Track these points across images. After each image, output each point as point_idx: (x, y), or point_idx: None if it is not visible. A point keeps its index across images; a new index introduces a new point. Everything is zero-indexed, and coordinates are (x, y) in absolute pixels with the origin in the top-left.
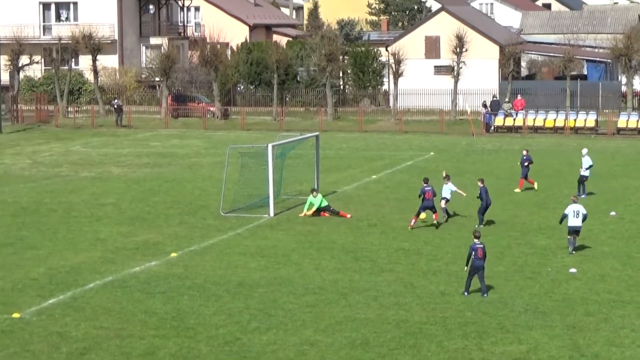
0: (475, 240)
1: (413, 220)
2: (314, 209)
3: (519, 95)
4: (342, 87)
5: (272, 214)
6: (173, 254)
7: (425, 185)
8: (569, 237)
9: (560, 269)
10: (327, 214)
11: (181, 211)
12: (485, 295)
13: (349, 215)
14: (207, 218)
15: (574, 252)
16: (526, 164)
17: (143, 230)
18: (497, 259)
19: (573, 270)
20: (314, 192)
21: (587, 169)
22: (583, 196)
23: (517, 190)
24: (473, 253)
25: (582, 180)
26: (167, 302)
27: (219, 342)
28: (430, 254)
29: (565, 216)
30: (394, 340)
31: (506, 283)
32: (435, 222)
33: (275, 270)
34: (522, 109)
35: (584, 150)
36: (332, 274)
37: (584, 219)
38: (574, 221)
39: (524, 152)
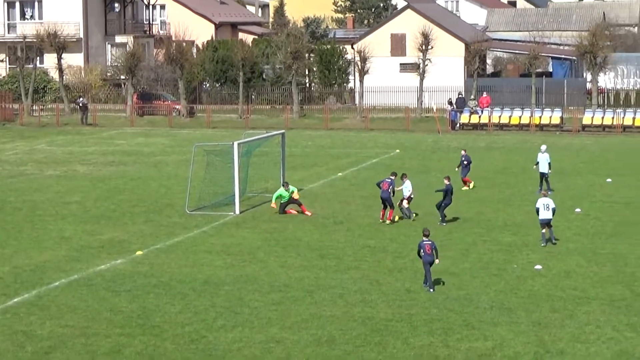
0: (424, 238)
1: (382, 213)
2: (282, 201)
3: (484, 93)
4: (308, 84)
5: (237, 212)
6: (138, 252)
7: (390, 178)
8: (542, 231)
9: (526, 266)
10: (293, 211)
11: (147, 209)
12: (431, 290)
13: (309, 213)
14: (172, 216)
15: (545, 244)
16: (465, 163)
17: (108, 228)
18: (463, 255)
19: (538, 267)
20: (286, 186)
21: (549, 165)
22: (549, 193)
23: (466, 187)
24: (422, 250)
25: (543, 177)
26: (133, 301)
27: (184, 340)
28: (396, 251)
29: (537, 210)
30: (359, 338)
31: (472, 280)
32: (389, 220)
33: (241, 268)
34: (487, 106)
35: (543, 147)
36: (297, 272)
37: (553, 212)
38: (544, 214)
39: (463, 152)
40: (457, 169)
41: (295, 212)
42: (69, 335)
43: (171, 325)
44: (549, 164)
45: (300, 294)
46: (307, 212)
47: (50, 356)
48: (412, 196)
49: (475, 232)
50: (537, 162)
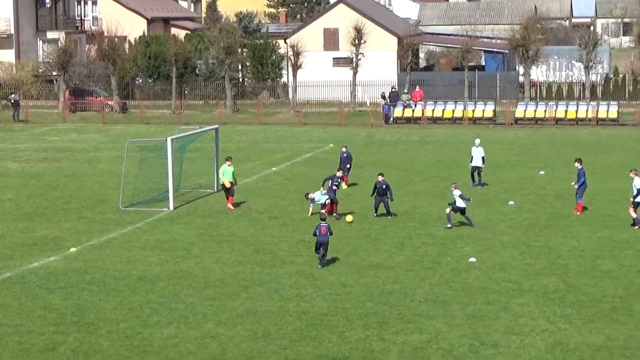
0: (321, 222)
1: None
2: (229, 178)
3: (417, 87)
4: (241, 79)
5: (172, 208)
6: (72, 249)
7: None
8: (448, 211)
9: (460, 259)
10: (230, 206)
11: (80, 206)
12: (320, 267)
13: (231, 207)
14: (106, 212)
15: (450, 226)
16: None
17: (41, 225)
18: (397, 249)
19: (472, 259)
20: (229, 160)
21: (483, 159)
22: (479, 187)
23: (345, 186)
24: (318, 231)
25: (476, 170)
26: (67, 298)
27: (119, 337)
28: (330, 245)
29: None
30: (295, 332)
31: (406, 273)
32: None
33: (175, 263)
34: (420, 100)
35: (477, 141)
36: (232, 267)
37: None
38: (460, 202)
39: (343, 149)
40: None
41: (233, 208)
42: (2, 334)
43: (106, 322)
44: (483, 158)
45: (235, 289)
46: (229, 206)
47: None
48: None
49: (410, 226)
50: (472, 157)
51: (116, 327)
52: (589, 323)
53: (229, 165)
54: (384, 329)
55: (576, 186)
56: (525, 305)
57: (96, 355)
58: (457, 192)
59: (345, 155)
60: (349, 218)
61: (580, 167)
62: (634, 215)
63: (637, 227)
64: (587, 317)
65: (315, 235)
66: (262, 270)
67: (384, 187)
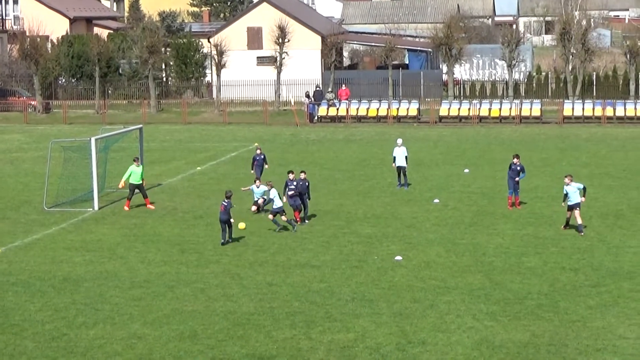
0: (225, 199)
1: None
2: (133, 181)
3: (343, 85)
4: (165, 79)
5: (96, 208)
6: None
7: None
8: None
9: (386, 257)
10: (151, 206)
11: (3, 206)
12: (227, 241)
13: (152, 207)
14: (30, 213)
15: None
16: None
17: None
18: (324, 248)
19: (398, 258)
20: (137, 161)
21: (406, 158)
22: (405, 188)
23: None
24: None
25: (401, 170)
26: None
27: (45, 338)
28: (257, 244)
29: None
30: (222, 332)
31: (332, 272)
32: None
33: (101, 264)
34: (347, 99)
35: (399, 141)
36: (158, 267)
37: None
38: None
39: (257, 150)
40: (252, 172)
41: (152, 207)
42: None
43: (31, 324)
44: (406, 157)
45: (161, 290)
46: (150, 206)
47: None
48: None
49: (335, 225)
50: (394, 157)
51: (42, 328)
52: (515, 320)
53: (137, 166)
54: (310, 328)
55: (517, 181)
56: (452, 303)
57: (21, 357)
58: (273, 192)
59: (257, 155)
60: (241, 225)
61: (518, 162)
62: (580, 220)
63: (581, 233)
64: (513, 314)
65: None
66: (188, 270)
67: (306, 184)
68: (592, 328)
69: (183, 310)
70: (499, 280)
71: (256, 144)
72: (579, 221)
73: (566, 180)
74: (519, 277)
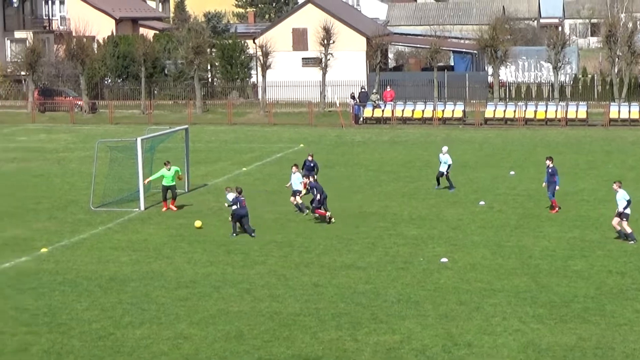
0: (239, 195)
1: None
2: (164, 183)
3: (388, 87)
4: (210, 79)
5: (142, 208)
6: (43, 250)
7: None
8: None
9: (432, 259)
10: (173, 207)
11: (50, 206)
12: (253, 235)
13: (174, 208)
14: (77, 213)
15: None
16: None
17: (11, 226)
18: (369, 249)
19: (444, 259)
20: (168, 164)
21: (447, 166)
22: (451, 190)
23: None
24: (238, 203)
25: (443, 175)
26: (39, 298)
27: (92, 337)
28: (302, 245)
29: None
30: (268, 332)
31: (378, 274)
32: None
33: (147, 264)
34: (391, 100)
35: (445, 148)
36: (204, 267)
37: None
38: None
39: (309, 157)
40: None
41: (175, 209)
42: None
43: (78, 323)
44: (449, 165)
45: (207, 290)
46: (172, 207)
47: None
48: (302, 190)
49: (381, 226)
50: (450, 164)
51: (88, 327)
52: (561, 323)
53: (167, 170)
54: (356, 330)
55: (545, 185)
56: (498, 306)
57: (68, 356)
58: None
59: (312, 163)
60: (197, 223)
61: (552, 165)
62: (629, 229)
63: (632, 241)
64: (559, 317)
65: (233, 205)
66: (234, 270)
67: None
68: (639, 332)
69: (229, 311)
70: (545, 283)
71: (304, 147)
72: (628, 230)
73: (615, 187)
74: (565, 280)
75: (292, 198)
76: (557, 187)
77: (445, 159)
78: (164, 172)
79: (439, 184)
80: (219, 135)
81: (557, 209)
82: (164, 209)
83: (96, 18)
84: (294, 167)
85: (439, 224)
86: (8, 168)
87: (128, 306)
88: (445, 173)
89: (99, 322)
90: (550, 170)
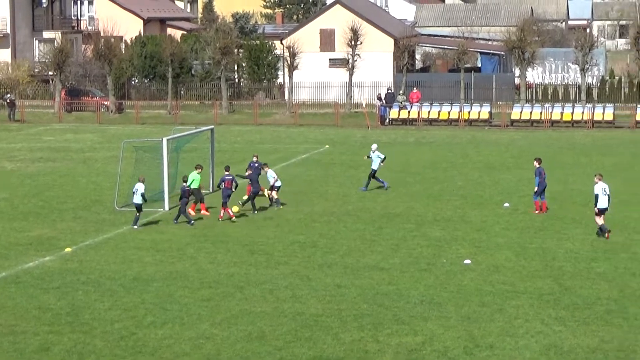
0: (226, 173)
1: (222, 211)
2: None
3: (415, 88)
4: (237, 80)
5: (167, 208)
6: (67, 249)
7: (226, 174)
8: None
9: (455, 261)
10: (192, 212)
11: (75, 206)
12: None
13: (193, 212)
14: (101, 213)
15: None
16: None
17: (37, 225)
18: (393, 250)
19: (467, 261)
20: (200, 168)
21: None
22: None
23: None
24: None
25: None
26: (62, 298)
27: (114, 337)
28: (326, 246)
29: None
30: (290, 333)
31: (401, 275)
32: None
33: (170, 264)
34: (417, 102)
35: (374, 146)
36: (227, 268)
37: None
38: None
39: (254, 158)
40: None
41: (193, 214)
42: None
43: (100, 322)
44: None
45: (230, 290)
46: (191, 211)
47: None
48: (277, 185)
49: (405, 227)
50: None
51: (111, 327)
52: (584, 325)
53: (198, 173)
54: (378, 331)
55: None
56: (520, 307)
57: (90, 356)
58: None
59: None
60: (234, 209)
61: (538, 165)
62: (600, 222)
63: (604, 234)
64: (582, 320)
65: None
66: (257, 271)
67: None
68: None
69: (251, 311)
70: (568, 285)
71: (329, 147)
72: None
73: (596, 179)
74: (588, 283)
75: (267, 192)
76: (535, 188)
77: (378, 154)
78: (194, 177)
79: (367, 186)
80: (245, 136)
81: (538, 210)
82: (192, 212)
83: (124, 18)
84: (265, 167)
85: (463, 226)
86: (34, 168)
87: (151, 306)
88: (375, 171)
89: (122, 322)
90: (535, 171)
